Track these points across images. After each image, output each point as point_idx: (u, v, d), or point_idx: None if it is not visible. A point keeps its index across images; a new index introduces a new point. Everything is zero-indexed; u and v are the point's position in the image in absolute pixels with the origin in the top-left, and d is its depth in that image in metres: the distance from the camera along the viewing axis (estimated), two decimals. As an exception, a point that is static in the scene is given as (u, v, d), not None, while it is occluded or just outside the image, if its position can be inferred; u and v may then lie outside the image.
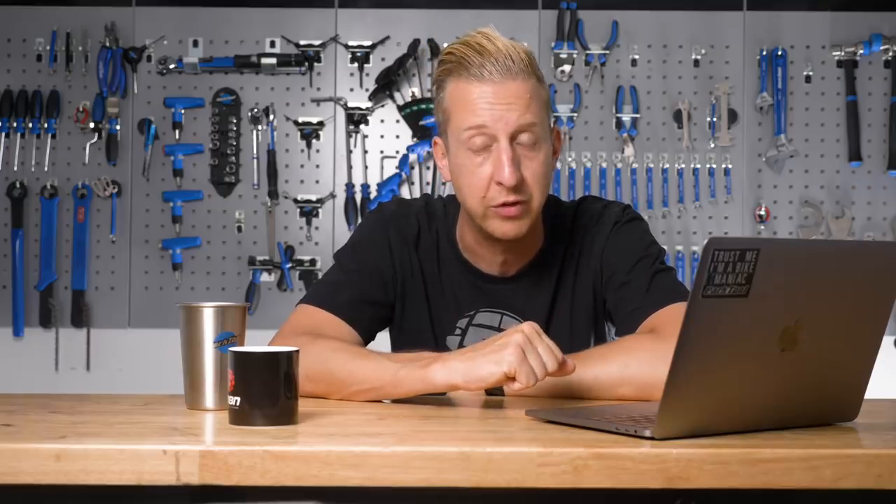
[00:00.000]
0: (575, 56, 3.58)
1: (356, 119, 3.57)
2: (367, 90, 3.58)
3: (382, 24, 3.60)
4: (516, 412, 1.39)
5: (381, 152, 3.59)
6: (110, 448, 1.11)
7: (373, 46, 3.59)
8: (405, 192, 3.56)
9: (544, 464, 1.10)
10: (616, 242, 1.74)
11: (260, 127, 3.58)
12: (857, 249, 1.30)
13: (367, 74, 3.58)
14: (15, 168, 3.55)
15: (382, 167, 3.59)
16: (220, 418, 1.32)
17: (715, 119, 3.57)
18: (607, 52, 3.59)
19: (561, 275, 1.76)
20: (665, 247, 3.56)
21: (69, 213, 3.56)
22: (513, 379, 1.38)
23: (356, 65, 3.59)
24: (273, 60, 3.56)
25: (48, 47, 3.57)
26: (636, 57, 3.60)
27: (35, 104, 3.55)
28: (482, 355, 1.40)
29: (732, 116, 3.58)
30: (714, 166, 3.58)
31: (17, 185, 3.54)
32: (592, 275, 1.75)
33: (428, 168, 3.56)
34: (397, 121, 3.59)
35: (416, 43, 3.55)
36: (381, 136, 3.60)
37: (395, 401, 1.49)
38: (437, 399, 1.50)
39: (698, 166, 3.58)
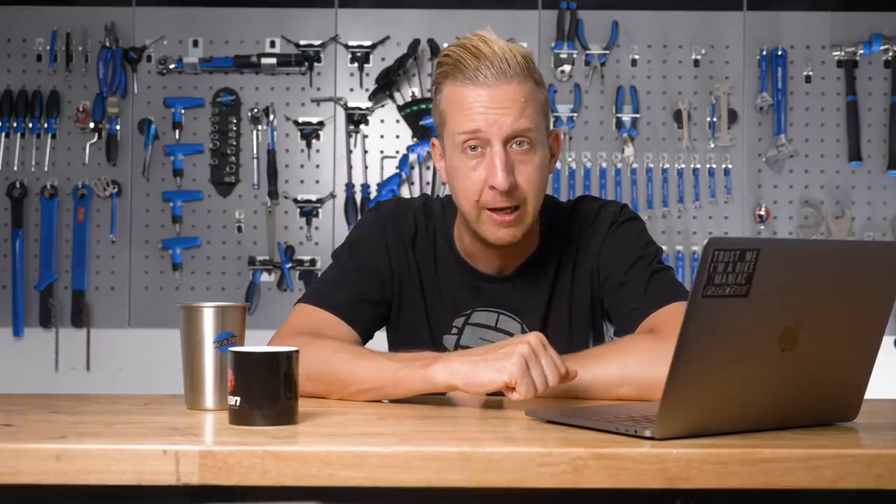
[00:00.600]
0: (575, 56, 3.58)
1: (356, 119, 3.57)
2: (367, 90, 3.58)
3: (382, 24, 3.60)
4: (516, 412, 1.39)
5: (381, 152, 3.59)
6: (110, 448, 1.11)
7: (373, 46, 3.59)
8: (405, 193, 3.56)
9: (544, 464, 1.10)
10: (613, 242, 1.74)
11: (260, 127, 3.58)
12: (857, 249, 1.30)
13: (367, 74, 3.58)
14: (15, 168, 3.55)
15: (382, 167, 3.59)
16: (220, 418, 1.32)
17: (715, 119, 3.57)
18: (607, 52, 3.59)
19: (558, 274, 1.76)
20: (665, 247, 3.58)
21: (69, 213, 3.56)
22: (512, 389, 1.38)
23: (356, 65, 3.59)
24: (273, 60, 3.56)
25: (48, 47, 3.57)
26: (636, 57, 3.60)
27: (35, 104, 3.55)
28: (485, 361, 1.40)
29: (732, 116, 3.58)
30: (714, 166, 3.58)
31: (17, 185, 3.54)
32: (590, 274, 1.75)
33: (428, 168, 3.56)
34: (397, 121, 3.59)
35: (416, 43, 3.55)
36: (381, 136, 3.60)
37: (395, 401, 1.49)
38: (437, 399, 1.50)
39: (698, 166, 3.58)
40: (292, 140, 3.60)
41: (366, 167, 3.59)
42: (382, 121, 3.60)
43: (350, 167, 3.57)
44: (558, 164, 3.56)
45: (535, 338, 1.41)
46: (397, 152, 3.59)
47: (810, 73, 3.59)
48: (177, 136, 3.57)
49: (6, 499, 1.12)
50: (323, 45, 3.59)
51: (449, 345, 1.76)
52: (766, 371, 1.21)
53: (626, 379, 1.52)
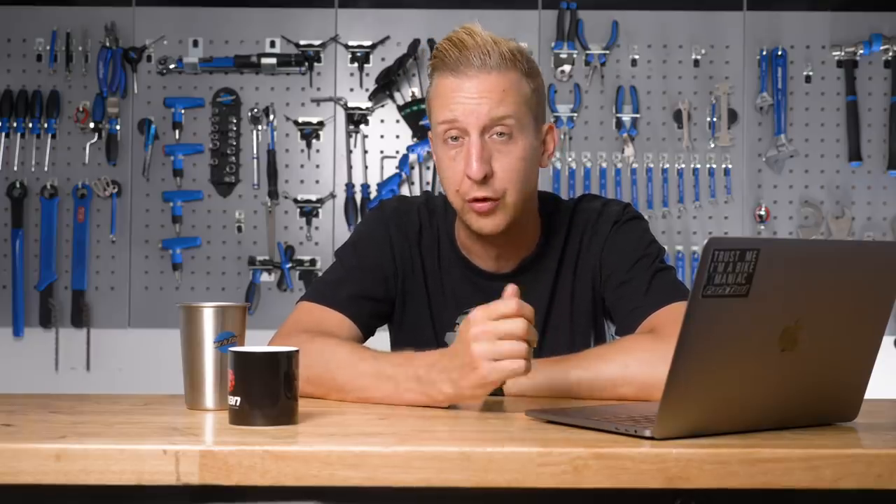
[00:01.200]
0: (575, 56, 3.58)
1: (356, 119, 3.57)
2: (367, 90, 3.58)
3: (382, 24, 3.60)
4: (516, 412, 1.39)
5: (381, 152, 3.59)
6: (110, 448, 1.11)
7: (373, 46, 3.59)
8: (405, 193, 3.55)
9: (544, 464, 1.10)
10: (616, 241, 1.74)
11: (260, 127, 3.58)
12: (857, 249, 1.30)
13: (367, 74, 3.58)
14: (15, 168, 3.55)
15: (382, 167, 3.59)
16: (220, 418, 1.32)
17: (715, 119, 3.57)
18: (607, 52, 3.59)
19: (559, 272, 1.76)
20: (665, 247, 3.54)
21: (69, 213, 3.56)
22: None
23: (356, 65, 3.59)
24: (273, 60, 3.56)
25: (48, 47, 3.57)
26: (636, 57, 3.60)
27: (35, 104, 3.55)
28: (466, 373, 1.36)
29: (732, 116, 3.58)
30: (714, 166, 3.58)
31: (17, 185, 3.54)
32: (592, 273, 1.75)
33: (428, 168, 3.56)
34: (397, 121, 3.59)
35: (416, 43, 3.55)
36: (381, 136, 3.60)
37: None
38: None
39: (698, 166, 3.58)
40: (292, 140, 3.59)
41: (366, 167, 3.59)
42: (382, 121, 3.60)
43: (350, 167, 3.57)
44: (558, 164, 3.56)
45: (476, 320, 1.35)
46: (397, 152, 3.59)
47: (810, 73, 3.59)
48: (177, 136, 3.57)
49: (6, 499, 1.12)
50: (323, 45, 3.59)
51: (451, 341, 1.74)
52: (766, 371, 1.21)
53: (627, 379, 1.51)
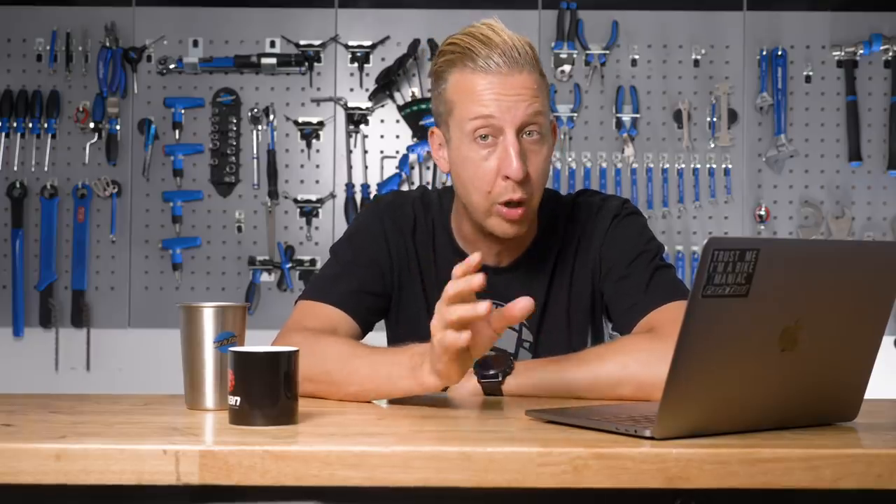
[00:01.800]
0: (575, 56, 3.59)
1: (356, 119, 3.57)
2: (367, 90, 3.58)
3: (382, 24, 3.60)
4: (516, 412, 1.39)
5: (381, 152, 3.60)
6: (110, 448, 1.11)
7: (373, 46, 3.59)
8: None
9: (544, 464, 1.10)
10: (615, 235, 1.73)
11: (260, 127, 3.58)
12: (857, 249, 1.30)
13: (367, 74, 3.58)
14: (15, 168, 3.55)
15: (382, 167, 3.59)
16: (220, 418, 1.32)
17: (715, 119, 3.57)
18: (607, 52, 3.59)
19: (556, 266, 1.75)
20: (665, 247, 3.56)
21: (69, 213, 3.56)
22: (462, 360, 1.33)
23: (356, 65, 3.59)
24: (273, 60, 3.56)
25: (48, 47, 3.57)
26: (636, 57, 3.60)
27: (35, 104, 3.55)
28: (431, 355, 1.35)
29: (732, 116, 3.58)
30: (714, 166, 3.58)
31: (17, 185, 3.54)
32: (591, 267, 1.74)
33: (428, 168, 3.56)
34: (397, 121, 3.59)
35: (416, 43, 3.55)
36: (381, 136, 3.60)
37: (394, 401, 1.49)
38: (437, 399, 1.50)
39: (698, 166, 3.58)
40: (292, 140, 3.60)
41: (366, 167, 3.59)
42: (382, 121, 3.60)
43: (350, 167, 3.57)
44: (558, 164, 3.56)
45: (437, 313, 1.33)
46: (397, 152, 3.59)
47: (810, 73, 3.59)
48: (177, 136, 3.57)
49: (6, 499, 1.12)
50: (323, 45, 3.59)
51: None
52: (766, 371, 1.21)
53: (627, 379, 1.51)
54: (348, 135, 3.58)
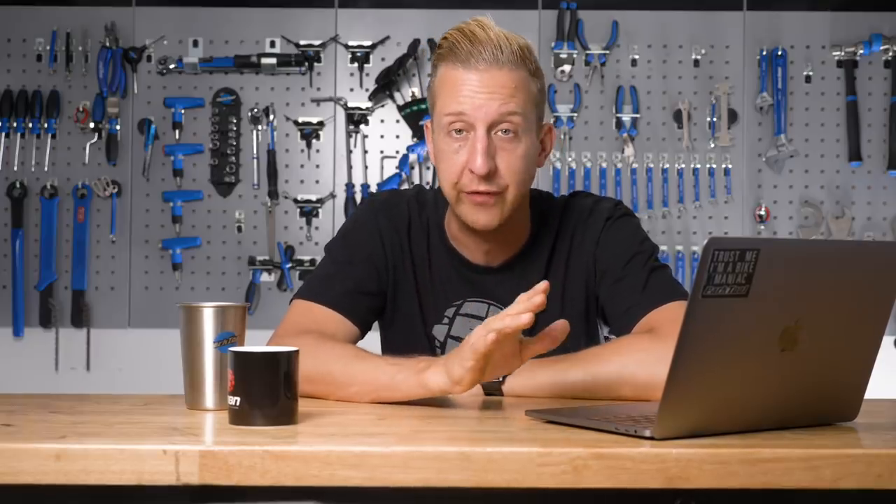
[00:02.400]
0: (575, 56, 3.58)
1: (356, 119, 3.57)
2: (367, 90, 3.58)
3: (382, 24, 3.60)
4: (516, 412, 1.39)
5: (381, 152, 3.60)
6: (110, 448, 1.11)
7: (373, 46, 3.59)
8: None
9: (544, 464, 1.10)
10: (609, 238, 1.73)
11: (260, 127, 3.58)
12: (857, 249, 1.30)
13: (367, 74, 3.58)
14: (15, 168, 3.55)
15: (382, 167, 3.59)
16: (220, 418, 1.32)
17: (715, 119, 3.57)
18: (607, 52, 3.59)
19: (549, 268, 1.75)
20: (665, 247, 3.58)
21: (69, 213, 3.56)
22: (481, 369, 1.35)
23: (356, 65, 3.59)
24: (273, 60, 3.56)
25: (48, 47, 3.57)
26: (636, 57, 3.60)
27: (35, 104, 3.55)
28: (454, 355, 1.38)
29: (732, 116, 3.58)
30: (714, 166, 3.58)
31: (17, 185, 3.54)
32: (585, 270, 1.74)
33: (428, 168, 3.56)
34: (397, 121, 3.59)
35: (416, 43, 3.55)
36: (381, 136, 3.60)
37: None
38: (437, 399, 1.50)
39: (698, 166, 3.58)
40: (292, 140, 3.60)
41: (366, 167, 3.59)
42: (382, 121, 3.60)
43: (350, 167, 3.57)
44: (558, 164, 3.56)
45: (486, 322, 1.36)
46: (397, 152, 3.59)
47: (810, 73, 3.59)
48: (177, 136, 3.57)
49: (6, 499, 1.12)
50: (323, 45, 3.59)
51: (439, 335, 1.76)
52: (766, 371, 1.21)
53: (626, 379, 1.51)
54: (348, 135, 3.58)
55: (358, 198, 3.56)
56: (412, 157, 3.56)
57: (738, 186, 3.57)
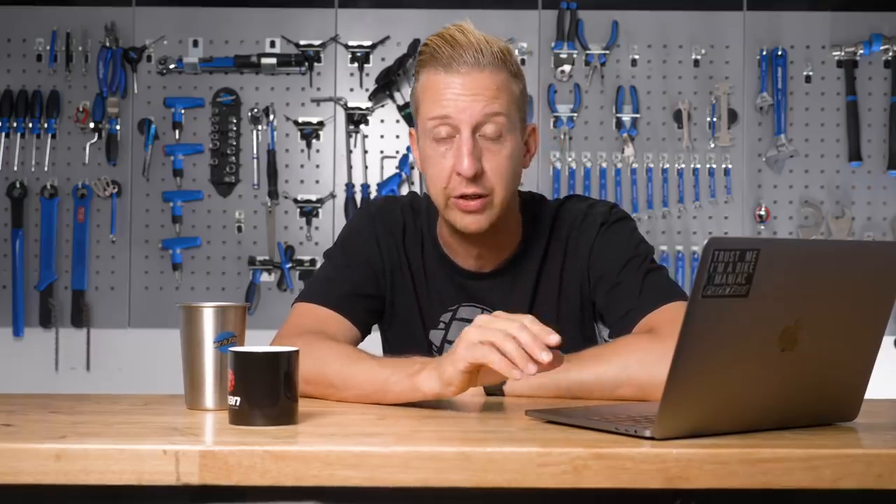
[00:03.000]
0: (575, 56, 3.58)
1: (356, 119, 3.57)
2: (367, 90, 3.58)
3: (382, 24, 3.60)
4: (516, 412, 1.39)
5: (381, 152, 3.60)
6: (110, 448, 1.11)
7: (373, 46, 3.59)
8: (404, 193, 3.55)
9: (544, 464, 1.10)
10: (604, 243, 1.73)
11: (260, 127, 3.58)
12: (857, 249, 1.30)
13: (367, 74, 3.58)
14: (15, 168, 3.55)
15: (382, 167, 3.59)
16: (220, 418, 1.32)
17: (715, 119, 3.57)
18: (607, 52, 3.59)
19: (541, 273, 1.75)
20: (665, 247, 3.58)
21: (69, 213, 3.56)
22: (473, 373, 1.35)
23: (356, 65, 3.59)
24: (273, 60, 3.56)
25: (48, 47, 3.57)
26: (636, 57, 3.60)
27: (35, 104, 3.55)
28: (446, 358, 1.38)
29: (732, 116, 3.58)
30: (714, 166, 3.58)
31: (17, 185, 3.54)
32: (579, 276, 1.74)
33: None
34: (397, 121, 3.59)
35: (416, 43, 3.55)
36: (381, 136, 3.60)
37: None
38: (437, 399, 1.50)
39: (698, 166, 3.58)
40: (292, 140, 3.60)
41: (366, 167, 3.59)
42: (382, 121, 3.60)
43: (350, 167, 3.57)
44: (558, 164, 3.56)
45: (480, 317, 1.36)
46: (397, 152, 3.59)
47: (810, 73, 3.59)
48: (177, 136, 3.57)
49: (6, 499, 1.13)
50: (323, 45, 3.59)
51: (436, 340, 1.76)
52: (766, 371, 1.21)
53: (627, 379, 1.51)
54: (348, 135, 3.58)
55: (358, 198, 3.56)
56: (412, 157, 3.56)
57: (738, 186, 3.57)
